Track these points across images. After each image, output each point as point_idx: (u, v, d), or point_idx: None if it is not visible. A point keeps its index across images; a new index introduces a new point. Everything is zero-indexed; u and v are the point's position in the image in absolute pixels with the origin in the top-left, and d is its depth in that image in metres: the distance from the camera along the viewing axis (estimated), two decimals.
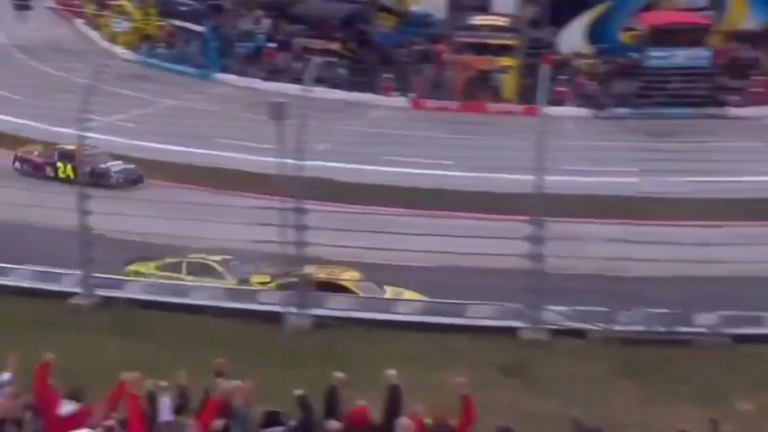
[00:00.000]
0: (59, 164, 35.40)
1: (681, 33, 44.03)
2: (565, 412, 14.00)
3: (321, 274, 25.14)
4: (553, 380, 20.16)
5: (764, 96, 42.79)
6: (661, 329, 22.46)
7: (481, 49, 46.32)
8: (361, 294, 24.77)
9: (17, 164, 36.14)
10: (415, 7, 51.02)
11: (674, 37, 43.99)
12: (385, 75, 47.40)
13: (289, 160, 23.15)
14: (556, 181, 23.48)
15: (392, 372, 13.35)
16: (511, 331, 22.85)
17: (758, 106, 42.62)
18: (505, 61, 46.14)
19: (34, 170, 35.76)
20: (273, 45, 50.18)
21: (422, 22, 50.27)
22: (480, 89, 46.27)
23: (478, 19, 47.72)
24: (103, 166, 34.68)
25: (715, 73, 44.10)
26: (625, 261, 23.54)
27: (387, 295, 25.13)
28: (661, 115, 41.68)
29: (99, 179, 33.07)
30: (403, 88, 47.00)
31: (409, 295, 24.93)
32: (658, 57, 43.92)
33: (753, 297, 22.88)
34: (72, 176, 33.48)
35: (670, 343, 21.87)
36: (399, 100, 46.50)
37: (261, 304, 24.03)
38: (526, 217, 23.05)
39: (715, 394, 18.65)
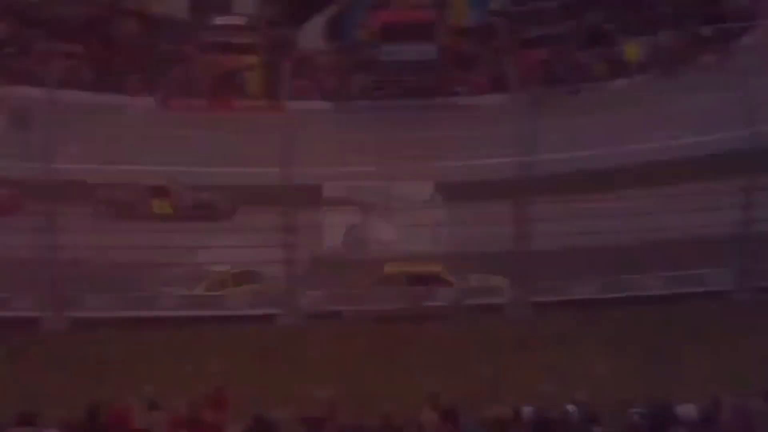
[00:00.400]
0: (154, 201, 32.72)
1: (409, 29, 46.12)
2: (324, 391, 14.50)
3: (408, 268, 24.93)
4: (311, 362, 21.21)
5: (486, 86, 45.52)
6: (408, 305, 24.05)
7: (226, 48, 46.80)
8: (455, 284, 24.73)
9: (101, 207, 32.45)
10: (157, 9, 50.86)
11: (403, 33, 46.04)
12: (131, 76, 47.03)
13: (38, 165, 23.02)
14: (302, 173, 24.50)
15: (149, 388, 13.88)
16: (269, 319, 23.84)
17: (481, 96, 45.33)
18: (249, 59, 46.82)
19: (123, 210, 32.31)
20: (12, 49, 48.67)
21: (166, 23, 50.18)
22: (226, 88, 46.68)
23: (221, 20, 48.21)
24: (205, 196, 32.44)
25: (442, 66, 46.46)
26: (373, 245, 24.68)
27: (472, 283, 25.15)
28: (397, 107, 43.47)
29: (206, 211, 31.60)
30: (150, 89, 46.77)
31: (494, 282, 25.04)
32: (390, 52, 45.72)
33: (486, 270, 24.77)
34: (170, 211, 31.88)
35: (417, 318, 23.40)
36: (147, 101, 46.24)
37: (13, 310, 23.69)
38: (278, 209, 24.03)
39: (459, 361, 20.30)
